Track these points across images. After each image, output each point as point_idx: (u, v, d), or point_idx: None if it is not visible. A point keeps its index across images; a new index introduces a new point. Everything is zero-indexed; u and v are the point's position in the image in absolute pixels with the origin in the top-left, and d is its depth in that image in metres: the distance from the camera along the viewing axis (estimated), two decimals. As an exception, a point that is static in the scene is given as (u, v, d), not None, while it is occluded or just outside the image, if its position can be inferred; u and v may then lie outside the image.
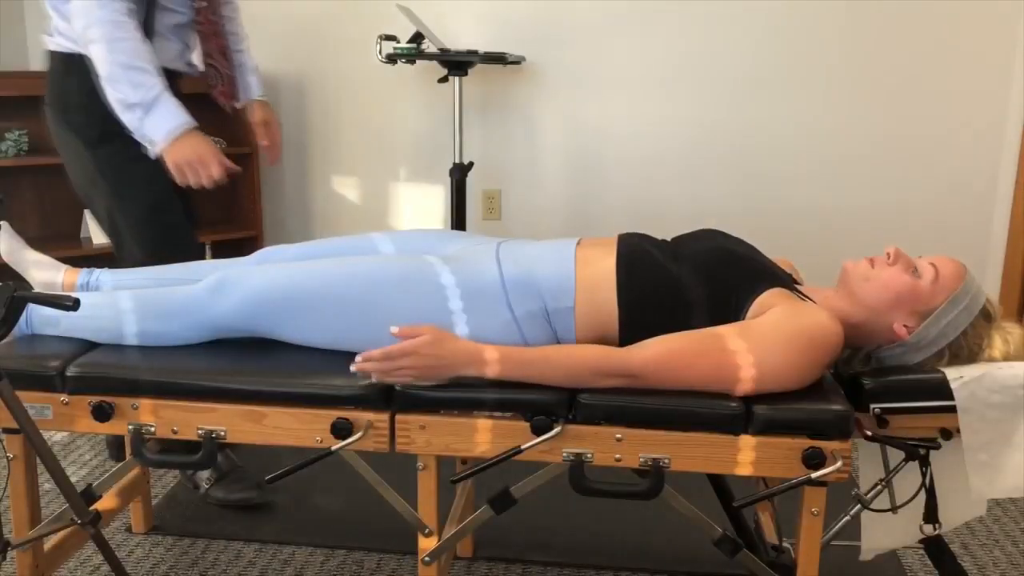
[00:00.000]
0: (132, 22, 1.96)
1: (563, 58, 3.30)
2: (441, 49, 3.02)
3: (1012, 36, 3.07)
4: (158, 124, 1.96)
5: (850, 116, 3.20)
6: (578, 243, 1.70)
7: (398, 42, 2.99)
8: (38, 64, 3.51)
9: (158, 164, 2.01)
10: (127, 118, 1.96)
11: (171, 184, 2.04)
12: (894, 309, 1.61)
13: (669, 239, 1.76)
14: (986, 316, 1.61)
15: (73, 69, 2.03)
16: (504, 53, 3.08)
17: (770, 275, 1.62)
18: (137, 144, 2.01)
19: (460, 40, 3.25)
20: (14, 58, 3.44)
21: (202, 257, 2.05)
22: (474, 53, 3.05)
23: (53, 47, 2.07)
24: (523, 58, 3.22)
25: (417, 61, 3.15)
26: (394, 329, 1.51)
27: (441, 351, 1.52)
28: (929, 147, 3.19)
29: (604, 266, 1.64)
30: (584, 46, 3.27)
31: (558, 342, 1.64)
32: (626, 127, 3.32)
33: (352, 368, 1.53)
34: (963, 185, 3.20)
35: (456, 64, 3.06)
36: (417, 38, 2.99)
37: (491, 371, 1.53)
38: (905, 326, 1.61)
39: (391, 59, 3.03)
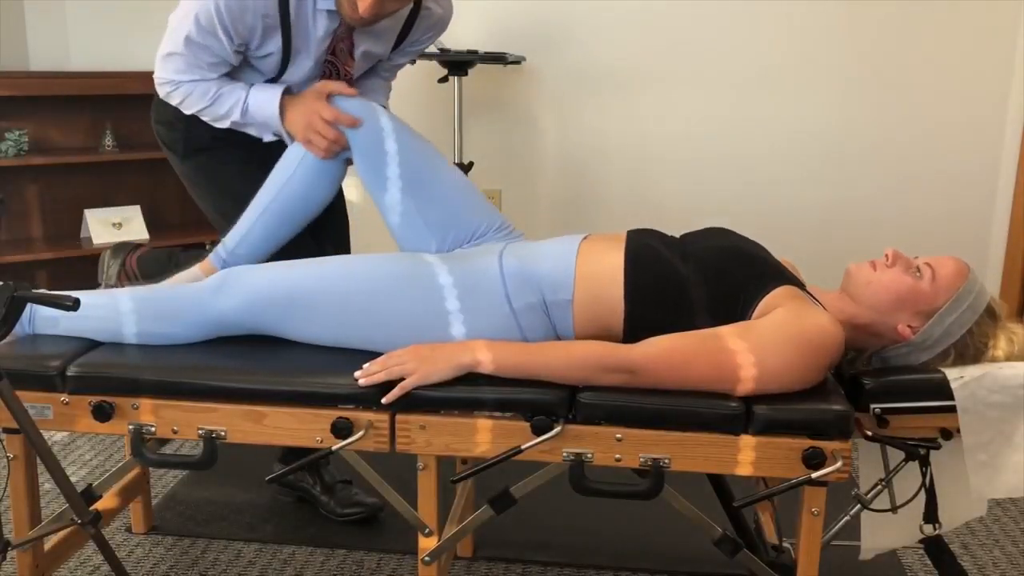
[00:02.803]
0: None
1: (563, 58, 3.30)
2: (441, 49, 3.02)
3: (1012, 36, 3.08)
4: (264, 117, 1.94)
5: (850, 115, 3.20)
6: (585, 238, 1.70)
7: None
8: (38, 64, 3.52)
9: (245, 168, 2.00)
10: (245, 130, 1.98)
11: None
12: (897, 310, 1.61)
13: (677, 236, 1.76)
14: (991, 314, 1.62)
15: None
16: (504, 53, 3.08)
17: (779, 274, 1.62)
18: (224, 152, 2.04)
19: (460, 40, 3.24)
20: (14, 58, 3.44)
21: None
22: (474, 53, 3.05)
23: None
24: (523, 58, 3.22)
25: (417, 61, 3.15)
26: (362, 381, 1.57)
27: (432, 344, 1.57)
28: (929, 147, 3.19)
29: (611, 261, 1.64)
30: (584, 46, 3.28)
31: (557, 338, 1.64)
32: (626, 127, 3.32)
33: (360, 383, 1.56)
34: (963, 185, 3.20)
35: (456, 64, 3.06)
36: (417, 38, 2.99)
37: (484, 356, 1.54)
38: (910, 326, 1.61)
39: (391, 59, 3.03)
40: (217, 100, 1.94)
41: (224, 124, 1.97)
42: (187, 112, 1.98)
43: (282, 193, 1.87)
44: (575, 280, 1.63)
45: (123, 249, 2.06)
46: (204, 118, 1.98)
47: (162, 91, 1.98)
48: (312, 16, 1.88)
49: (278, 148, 1.99)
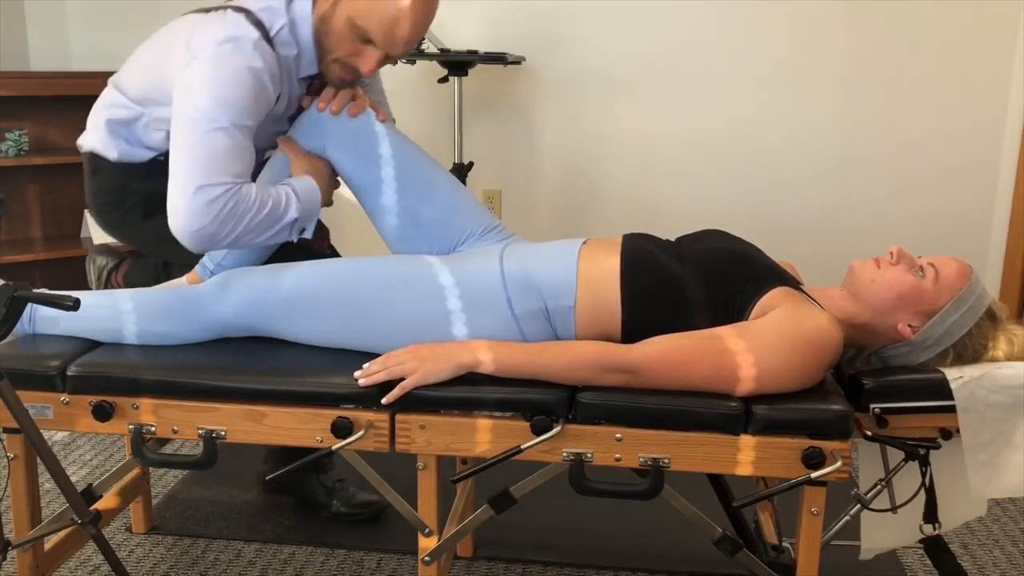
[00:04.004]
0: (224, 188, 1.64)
1: (563, 58, 3.30)
2: (441, 49, 3.02)
3: (1012, 36, 3.08)
4: (312, 202, 1.76)
5: (850, 117, 3.20)
6: (584, 243, 1.70)
7: (398, 42, 2.99)
8: (38, 64, 3.52)
9: None
10: (295, 236, 1.77)
11: None
12: (898, 309, 1.61)
13: (673, 239, 1.76)
14: (991, 317, 1.62)
15: (97, 168, 1.97)
16: (504, 53, 3.08)
17: (775, 275, 1.62)
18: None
19: (460, 40, 3.25)
20: (14, 58, 3.45)
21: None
22: (474, 53, 3.05)
23: (84, 147, 1.99)
24: (523, 58, 3.22)
25: (417, 61, 3.16)
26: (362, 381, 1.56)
27: (432, 343, 1.58)
28: (929, 147, 3.19)
29: (608, 265, 1.64)
30: (584, 46, 3.28)
31: (557, 340, 1.64)
32: (626, 127, 3.32)
33: (360, 383, 1.56)
34: (963, 185, 3.20)
35: (456, 64, 3.06)
36: (417, 38, 2.99)
37: (485, 356, 1.54)
38: (910, 326, 1.61)
39: (391, 59, 3.03)
40: (271, 199, 1.68)
41: (258, 235, 1.69)
42: (231, 239, 1.65)
43: None
44: (576, 286, 1.63)
45: (108, 253, 2.04)
46: (244, 237, 1.67)
47: (209, 213, 1.60)
48: (297, 84, 1.84)
49: None
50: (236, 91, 1.65)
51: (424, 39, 3.01)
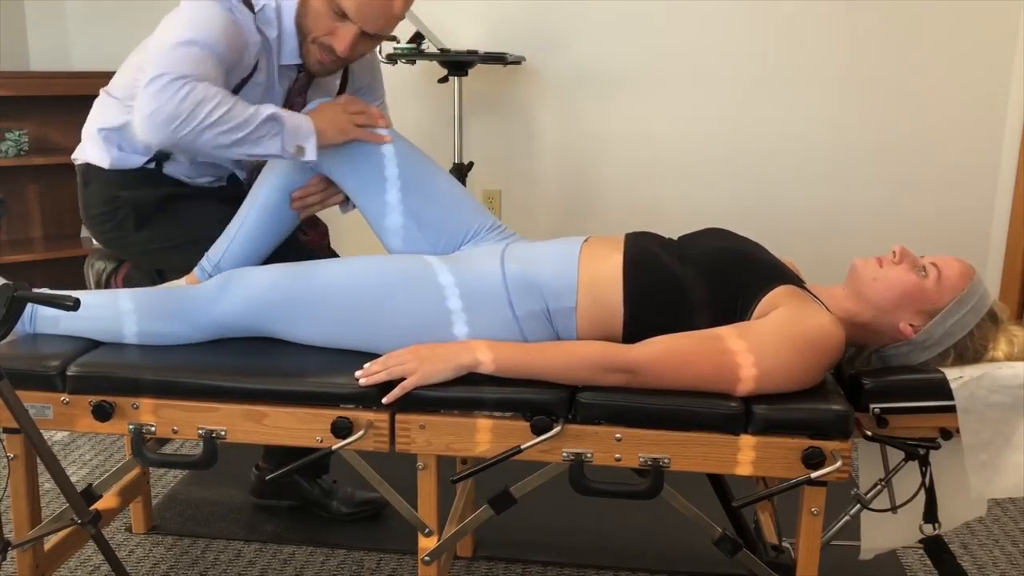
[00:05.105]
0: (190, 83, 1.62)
1: (563, 58, 3.30)
2: (441, 49, 3.02)
3: (1012, 36, 3.08)
4: (296, 122, 1.70)
5: (850, 116, 3.20)
6: (586, 241, 1.70)
7: (398, 42, 2.99)
8: (38, 64, 3.52)
9: (205, 201, 1.96)
10: (247, 149, 1.68)
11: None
12: (900, 308, 1.61)
13: (675, 238, 1.76)
14: (992, 317, 1.62)
15: (90, 179, 1.99)
16: (504, 53, 3.08)
17: (778, 274, 1.62)
18: (178, 201, 1.94)
19: (460, 40, 3.25)
20: (14, 58, 3.45)
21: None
22: (474, 53, 3.05)
23: (79, 160, 2.02)
24: (523, 58, 3.22)
25: (417, 61, 3.16)
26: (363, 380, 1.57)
27: (432, 344, 1.58)
28: (929, 147, 3.19)
29: (610, 264, 1.64)
30: (584, 46, 3.28)
31: (558, 340, 1.64)
32: (626, 127, 3.32)
33: (360, 382, 1.56)
34: (963, 185, 3.20)
35: (456, 64, 3.06)
36: (417, 38, 2.99)
37: (485, 356, 1.54)
38: (911, 325, 1.61)
39: (391, 59, 3.03)
40: (238, 101, 1.65)
41: (233, 134, 1.63)
42: (193, 126, 1.60)
43: (262, 206, 1.84)
44: (578, 287, 1.63)
45: (106, 256, 2.05)
46: (212, 131, 1.62)
47: (165, 94, 1.59)
48: (276, 73, 1.87)
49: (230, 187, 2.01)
50: (208, 24, 1.70)
51: (424, 39, 3.01)
